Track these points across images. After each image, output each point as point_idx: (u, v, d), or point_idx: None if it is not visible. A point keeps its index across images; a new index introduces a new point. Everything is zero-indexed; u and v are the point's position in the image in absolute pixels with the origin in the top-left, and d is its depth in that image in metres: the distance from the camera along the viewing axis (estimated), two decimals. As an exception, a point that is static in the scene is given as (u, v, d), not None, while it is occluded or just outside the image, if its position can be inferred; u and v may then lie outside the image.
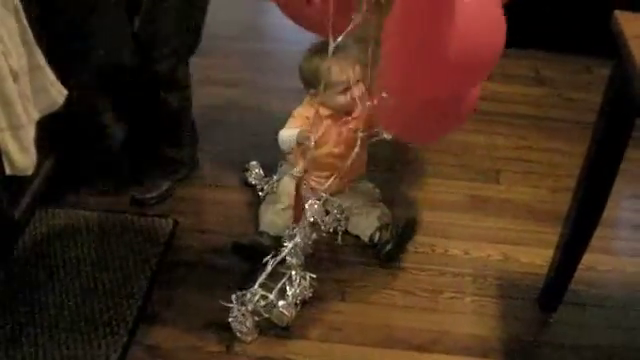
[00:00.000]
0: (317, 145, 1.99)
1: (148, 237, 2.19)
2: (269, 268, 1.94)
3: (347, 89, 2.05)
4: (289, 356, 1.88)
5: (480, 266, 2.19)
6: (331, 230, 2.13)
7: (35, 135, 1.72)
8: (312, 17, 1.85)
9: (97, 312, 1.95)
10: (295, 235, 1.93)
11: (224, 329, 1.90)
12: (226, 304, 1.88)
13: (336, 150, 2.14)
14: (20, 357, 1.82)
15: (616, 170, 1.74)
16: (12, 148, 1.63)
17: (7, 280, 2.02)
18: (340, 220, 2.19)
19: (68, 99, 1.81)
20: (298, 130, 2.06)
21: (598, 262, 2.18)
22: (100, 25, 2.02)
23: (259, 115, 2.80)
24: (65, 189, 2.33)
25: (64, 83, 1.80)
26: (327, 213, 2.17)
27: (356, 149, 1.98)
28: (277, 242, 2.03)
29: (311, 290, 2.00)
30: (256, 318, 1.90)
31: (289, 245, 1.93)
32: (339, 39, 1.68)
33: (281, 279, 1.94)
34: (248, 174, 2.41)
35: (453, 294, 2.09)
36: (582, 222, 1.85)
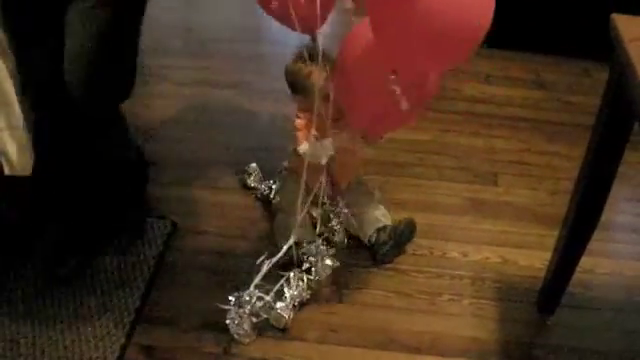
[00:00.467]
0: None
1: (146, 238, 2.19)
2: (264, 269, 1.94)
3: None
4: (286, 358, 1.88)
5: (478, 269, 2.19)
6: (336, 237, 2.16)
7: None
8: (276, 11, 1.84)
9: (95, 313, 1.95)
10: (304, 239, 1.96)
11: (222, 331, 1.90)
12: (223, 306, 1.89)
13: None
14: (18, 358, 1.81)
15: (614, 173, 1.74)
16: (10, 148, 1.63)
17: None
18: (341, 223, 2.20)
19: None
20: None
21: (596, 265, 2.18)
22: None
23: (257, 117, 2.80)
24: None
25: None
26: (329, 219, 2.19)
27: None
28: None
29: (309, 292, 2.00)
30: (254, 320, 1.90)
31: (284, 246, 1.94)
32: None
33: (279, 281, 1.95)
34: (247, 176, 2.42)
35: (451, 296, 2.09)
36: (580, 225, 1.85)
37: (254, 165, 2.43)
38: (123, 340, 1.87)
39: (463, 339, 1.96)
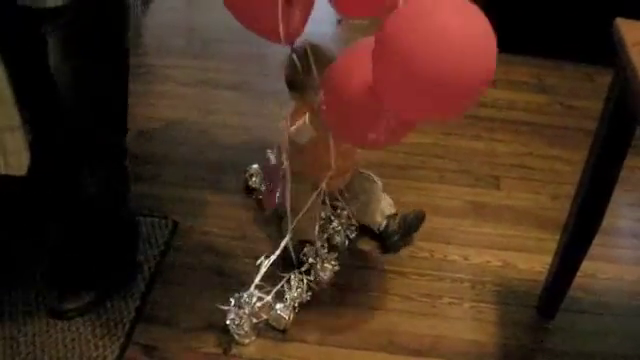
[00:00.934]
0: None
1: (147, 237, 2.19)
2: (263, 270, 1.94)
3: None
4: (286, 359, 1.88)
5: (479, 272, 2.18)
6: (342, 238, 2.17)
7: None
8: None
9: (94, 312, 1.94)
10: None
11: (222, 331, 1.90)
12: (223, 307, 1.88)
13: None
14: (18, 358, 1.81)
15: (616, 178, 1.74)
16: (8, 147, 1.63)
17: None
18: (342, 225, 2.20)
19: None
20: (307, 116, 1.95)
21: (597, 269, 2.18)
22: None
23: (260, 119, 2.80)
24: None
25: None
26: (330, 220, 2.19)
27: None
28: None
29: (309, 293, 2.00)
30: (254, 320, 1.90)
31: (281, 244, 1.95)
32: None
33: (279, 282, 1.95)
34: (248, 177, 2.42)
35: (451, 299, 2.09)
36: (581, 229, 1.85)
37: (256, 166, 2.43)
38: (123, 339, 1.87)
39: (463, 342, 1.96)
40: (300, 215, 2.00)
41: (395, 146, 2.55)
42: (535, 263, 2.20)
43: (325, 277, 2.06)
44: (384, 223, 2.18)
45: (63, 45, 1.56)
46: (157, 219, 2.26)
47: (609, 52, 1.61)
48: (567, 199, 1.92)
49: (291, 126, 1.95)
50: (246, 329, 1.88)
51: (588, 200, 1.79)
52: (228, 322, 1.88)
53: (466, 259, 2.23)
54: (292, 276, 2.00)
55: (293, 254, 2.03)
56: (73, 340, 1.87)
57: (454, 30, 1.39)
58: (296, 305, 1.96)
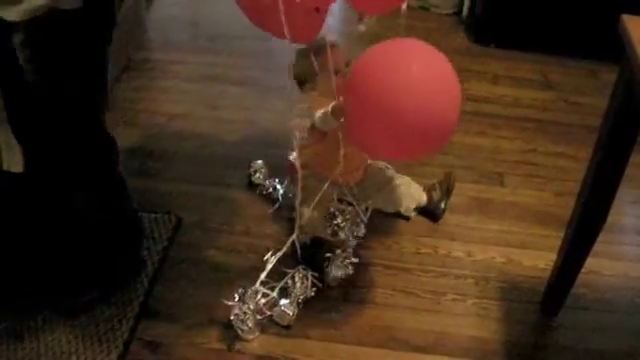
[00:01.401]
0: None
1: (151, 233, 2.19)
2: (269, 266, 1.95)
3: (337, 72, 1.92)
4: (290, 355, 1.88)
5: (483, 268, 2.18)
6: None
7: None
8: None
9: (98, 307, 1.95)
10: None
11: (226, 327, 1.91)
12: (227, 302, 1.89)
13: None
14: (21, 352, 1.82)
15: (621, 175, 1.73)
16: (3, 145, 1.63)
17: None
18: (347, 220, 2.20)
19: None
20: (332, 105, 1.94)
21: (601, 266, 2.18)
22: None
23: (265, 114, 2.80)
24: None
25: None
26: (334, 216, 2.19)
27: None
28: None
29: (313, 289, 2.00)
30: (258, 317, 1.90)
31: (287, 242, 1.95)
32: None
33: (283, 278, 1.95)
34: (253, 173, 2.42)
35: (455, 296, 2.09)
36: (585, 226, 1.85)
37: (260, 162, 2.43)
38: (127, 335, 1.88)
39: (467, 338, 1.96)
40: (311, 211, 1.99)
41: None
42: (539, 260, 2.20)
43: (338, 275, 2.05)
44: (426, 197, 2.32)
45: (30, 59, 1.51)
46: (160, 215, 2.26)
47: (614, 48, 1.61)
48: (571, 196, 1.91)
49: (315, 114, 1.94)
50: (250, 325, 1.88)
51: (592, 197, 1.79)
52: (232, 318, 1.88)
53: (470, 255, 2.23)
54: (296, 272, 2.00)
55: (299, 250, 2.03)
56: (76, 336, 1.87)
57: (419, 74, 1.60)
58: (300, 301, 1.96)
